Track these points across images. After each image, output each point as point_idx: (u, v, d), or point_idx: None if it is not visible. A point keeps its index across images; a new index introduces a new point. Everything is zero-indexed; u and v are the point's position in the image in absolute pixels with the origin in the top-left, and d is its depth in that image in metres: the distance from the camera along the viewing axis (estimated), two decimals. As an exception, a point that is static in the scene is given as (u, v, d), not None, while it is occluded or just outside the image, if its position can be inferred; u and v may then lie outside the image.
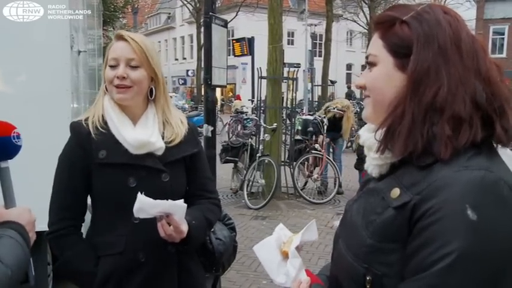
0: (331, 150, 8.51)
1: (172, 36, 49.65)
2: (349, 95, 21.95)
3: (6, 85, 3.11)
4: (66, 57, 3.14)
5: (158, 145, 1.71)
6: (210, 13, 4.53)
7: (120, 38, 1.70)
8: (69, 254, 1.69)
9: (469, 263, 0.85)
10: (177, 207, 1.59)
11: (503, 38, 33.76)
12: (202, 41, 5.49)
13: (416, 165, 0.96)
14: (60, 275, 1.83)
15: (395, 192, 0.96)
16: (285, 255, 1.22)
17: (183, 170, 1.78)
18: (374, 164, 1.06)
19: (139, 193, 1.52)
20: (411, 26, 1.00)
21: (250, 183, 7.78)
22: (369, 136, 1.08)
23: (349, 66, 42.13)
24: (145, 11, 46.36)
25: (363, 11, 24.41)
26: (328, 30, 21.40)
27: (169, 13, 50.37)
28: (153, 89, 1.74)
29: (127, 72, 1.66)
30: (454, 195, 0.88)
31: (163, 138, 1.73)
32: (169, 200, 1.58)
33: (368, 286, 0.98)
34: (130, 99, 1.70)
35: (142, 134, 1.69)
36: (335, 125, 8.21)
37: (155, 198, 1.54)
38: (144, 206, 1.53)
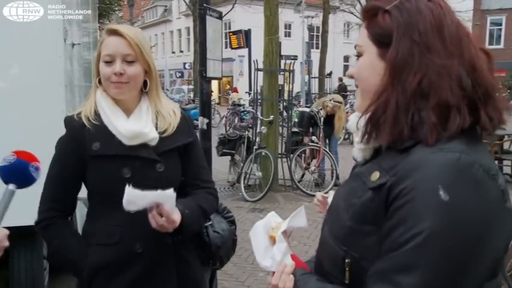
0: (326, 141, 8.50)
1: (169, 29, 49.45)
2: (343, 89, 21.73)
3: (-1, 78, 3.09)
4: (60, 50, 3.12)
5: (152, 135, 1.71)
6: (205, 5, 4.51)
7: (114, 32, 1.68)
8: (55, 242, 1.73)
9: (439, 243, 0.87)
10: (166, 197, 1.58)
11: (500, 29, 33.75)
12: (198, 34, 5.48)
13: (396, 149, 0.97)
14: (53, 264, 1.86)
15: (375, 175, 0.98)
16: (273, 240, 1.23)
17: (177, 159, 1.78)
18: (358, 148, 1.08)
19: (127, 186, 1.52)
20: (392, 15, 1.01)
21: (247, 175, 7.78)
22: (354, 121, 1.09)
23: (346, 58, 42.03)
24: (142, 3, 46.16)
25: (359, 2, 24.33)
26: (325, 22, 21.35)
27: (166, 6, 50.18)
28: (147, 81, 1.74)
29: (124, 68, 1.66)
30: (427, 176, 0.90)
31: (156, 129, 1.73)
32: (159, 190, 1.57)
33: (347, 269, 1.00)
34: (127, 94, 1.71)
35: (136, 125, 1.69)
36: (329, 121, 8.17)
37: (150, 189, 1.53)
38: (133, 198, 1.52)
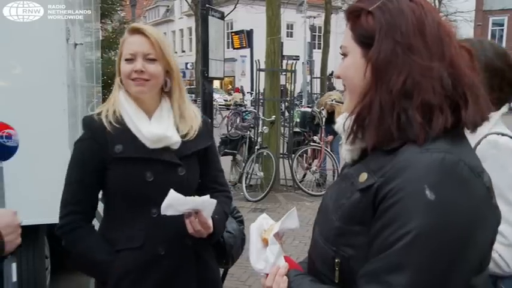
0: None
1: (171, 29, 49.51)
2: (332, 89, 21.52)
3: (1, 78, 3.10)
4: (62, 50, 3.12)
5: (174, 139, 1.71)
6: (207, 5, 4.52)
7: (136, 31, 1.69)
8: (82, 246, 1.68)
9: (427, 242, 0.88)
10: (207, 204, 1.60)
11: (502, 30, 33.70)
12: (200, 34, 5.50)
13: (383, 150, 0.98)
14: (77, 268, 1.81)
15: (363, 176, 0.99)
16: (266, 243, 1.23)
17: (196, 163, 1.78)
18: (346, 149, 1.09)
19: (171, 190, 1.52)
20: (375, 16, 1.01)
21: (249, 175, 7.78)
22: (341, 122, 1.10)
23: (348, 59, 41.91)
24: (144, 3, 46.19)
25: (362, 2, 24.20)
26: (327, 22, 21.38)
27: (168, 6, 50.23)
28: (167, 81, 1.74)
29: (145, 66, 1.66)
30: (413, 176, 0.91)
31: (178, 132, 1.73)
32: (196, 196, 1.60)
33: (337, 268, 1.02)
34: (148, 92, 1.70)
35: (159, 128, 1.69)
36: (331, 120, 8.15)
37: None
38: (174, 202, 1.53)
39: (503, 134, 1.61)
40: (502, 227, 1.53)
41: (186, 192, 1.59)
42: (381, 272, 0.91)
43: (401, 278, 0.88)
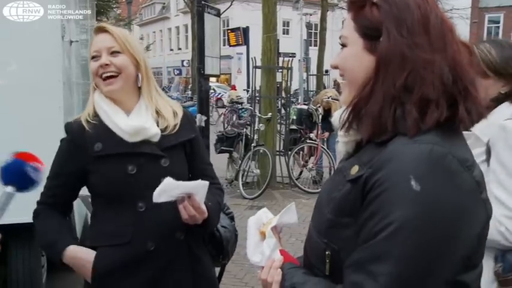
0: (324, 139, 8.49)
1: (167, 26, 49.37)
2: (323, 87, 21.26)
3: (-3, 76, 3.09)
4: (58, 47, 3.11)
5: (153, 131, 1.69)
6: (203, 2, 4.51)
7: (99, 30, 1.72)
8: (39, 227, 1.76)
9: (410, 233, 0.88)
10: (200, 187, 1.59)
11: (498, 27, 33.79)
12: (196, 31, 5.48)
13: (374, 142, 0.99)
14: (43, 253, 1.88)
15: (355, 169, 0.99)
16: (263, 236, 1.24)
17: (182, 156, 1.77)
18: (341, 141, 1.10)
19: (167, 177, 1.52)
20: (380, 8, 1.00)
21: (245, 173, 7.79)
22: (338, 115, 1.10)
23: (344, 56, 41.91)
24: (140, 1, 46.07)
25: None
26: (323, 19, 21.36)
27: (164, 3, 50.08)
28: (139, 76, 1.73)
29: (109, 59, 1.66)
30: (399, 167, 0.91)
31: (158, 125, 1.72)
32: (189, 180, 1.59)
33: (327, 260, 1.03)
34: (120, 89, 1.69)
35: (136, 121, 1.68)
36: (327, 117, 8.14)
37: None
38: (167, 187, 1.52)
39: None
40: (507, 200, 1.59)
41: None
42: (365, 261, 0.91)
43: (384, 268, 0.89)
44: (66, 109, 3.19)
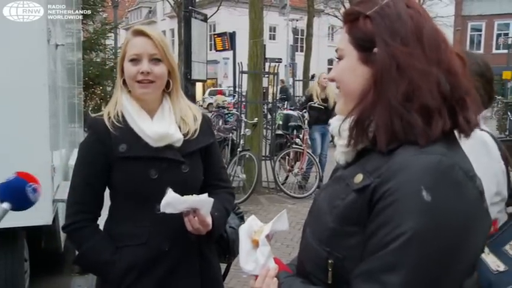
0: (312, 142, 8.42)
1: (153, 30, 49.13)
2: (285, 91, 20.60)
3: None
4: (43, 50, 3.09)
5: (177, 137, 1.74)
6: (190, 7, 4.52)
7: (140, 33, 1.72)
8: (87, 245, 1.72)
9: (422, 243, 0.90)
10: (204, 202, 1.63)
11: (480, 35, 34.34)
12: (183, 36, 5.46)
13: (379, 151, 0.99)
14: (81, 267, 1.86)
15: (359, 177, 1.00)
16: (255, 244, 1.24)
17: (199, 160, 1.81)
18: (340, 151, 1.10)
19: (169, 189, 1.56)
20: (373, 21, 1.02)
21: (231, 177, 7.75)
22: (337, 124, 1.10)
23: (330, 61, 42.09)
24: (126, 4, 45.82)
25: (344, 6, 24.53)
26: (309, 25, 21.49)
27: (150, 7, 49.93)
28: (170, 82, 1.77)
29: (151, 67, 1.69)
30: (410, 177, 0.92)
31: (180, 130, 1.76)
32: (194, 195, 1.63)
33: (330, 269, 1.02)
34: (152, 94, 1.73)
35: (161, 127, 1.72)
36: (319, 117, 8.07)
37: (176, 189, 1.58)
38: (172, 201, 1.57)
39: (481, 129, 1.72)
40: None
41: (190, 190, 1.65)
42: (376, 271, 0.92)
43: (395, 278, 0.90)
44: (52, 113, 3.16)
